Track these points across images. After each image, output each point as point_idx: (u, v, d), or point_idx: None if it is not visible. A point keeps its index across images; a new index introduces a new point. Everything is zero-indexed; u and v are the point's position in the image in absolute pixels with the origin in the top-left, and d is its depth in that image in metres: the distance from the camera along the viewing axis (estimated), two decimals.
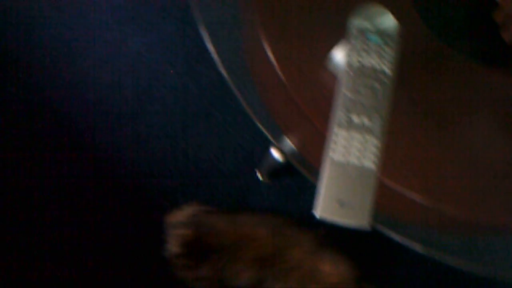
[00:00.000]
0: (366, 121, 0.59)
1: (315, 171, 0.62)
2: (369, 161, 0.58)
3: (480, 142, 0.67)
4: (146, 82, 1.11)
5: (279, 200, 1.02)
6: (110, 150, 1.04)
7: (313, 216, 0.57)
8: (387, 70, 0.59)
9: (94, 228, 0.98)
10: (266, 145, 0.92)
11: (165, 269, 0.89)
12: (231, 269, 0.79)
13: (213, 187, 1.03)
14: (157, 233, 0.91)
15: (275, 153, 0.89)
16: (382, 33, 0.60)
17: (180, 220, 0.84)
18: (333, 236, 0.86)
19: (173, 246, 0.83)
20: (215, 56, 0.71)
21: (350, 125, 0.58)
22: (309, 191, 1.01)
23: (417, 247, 0.69)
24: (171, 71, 1.13)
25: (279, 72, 0.66)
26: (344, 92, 0.59)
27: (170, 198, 1.00)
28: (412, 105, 0.67)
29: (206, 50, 0.71)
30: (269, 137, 0.71)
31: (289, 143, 0.72)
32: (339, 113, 0.58)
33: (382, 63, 0.59)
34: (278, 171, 1.02)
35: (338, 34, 0.62)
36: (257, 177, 1.04)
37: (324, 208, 0.57)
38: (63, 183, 1.00)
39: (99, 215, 0.99)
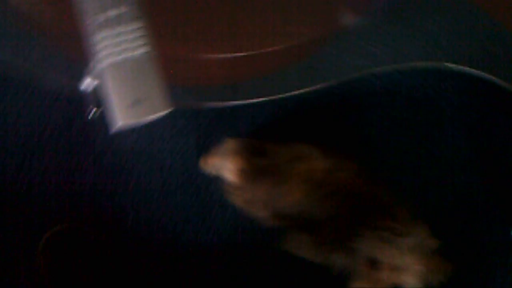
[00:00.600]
0: (122, 8, 0.54)
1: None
2: (142, 46, 0.55)
3: None
4: None
5: None
6: None
7: None
8: None
9: None
10: None
11: None
12: (282, 190, 0.77)
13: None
14: None
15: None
16: None
17: (230, 148, 0.80)
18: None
19: (230, 175, 0.79)
20: None
21: (109, 22, 0.54)
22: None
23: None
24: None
25: None
26: None
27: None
28: None
29: None
30: None
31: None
32: (94, 16, 0.54)
33: None
34: None
35: None
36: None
37: (123, 115, 0.53)
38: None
39: None
